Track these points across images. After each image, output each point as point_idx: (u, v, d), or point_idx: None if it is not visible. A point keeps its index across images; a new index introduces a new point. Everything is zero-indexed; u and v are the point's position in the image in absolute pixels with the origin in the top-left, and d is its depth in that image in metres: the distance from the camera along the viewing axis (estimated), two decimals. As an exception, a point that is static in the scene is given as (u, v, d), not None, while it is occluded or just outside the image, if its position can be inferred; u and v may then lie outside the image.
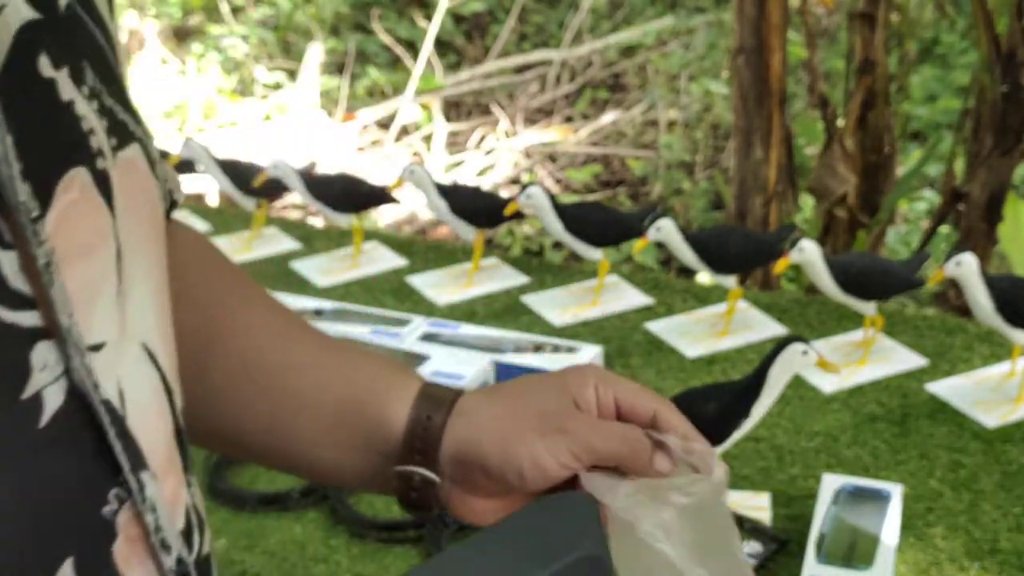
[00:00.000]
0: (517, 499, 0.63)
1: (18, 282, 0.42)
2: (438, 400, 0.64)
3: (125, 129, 0.50)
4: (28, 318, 0.43)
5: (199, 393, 0.62)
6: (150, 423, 0.49)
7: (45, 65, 0.45)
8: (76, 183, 0.45)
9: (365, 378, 0.67)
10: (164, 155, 0.58)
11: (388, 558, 1.11)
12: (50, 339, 0.43)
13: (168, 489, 0.49)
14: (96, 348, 0.46)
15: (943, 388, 1.34)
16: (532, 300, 1.58)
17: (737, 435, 1.08)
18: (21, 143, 0.43)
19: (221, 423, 0.67)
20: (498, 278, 1.65)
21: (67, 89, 0.46)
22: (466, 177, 4.17)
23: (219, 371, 0.67)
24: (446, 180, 1.65)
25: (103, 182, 0.47)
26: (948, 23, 4.35)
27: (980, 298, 1.26)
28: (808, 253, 1.33)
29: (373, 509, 1.18)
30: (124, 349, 0.48)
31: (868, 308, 1.38)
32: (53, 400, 0.43)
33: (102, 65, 0.49)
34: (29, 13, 0.45)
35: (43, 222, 0.43)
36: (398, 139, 4.43)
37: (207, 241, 0.74)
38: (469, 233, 1.62)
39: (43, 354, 0.43)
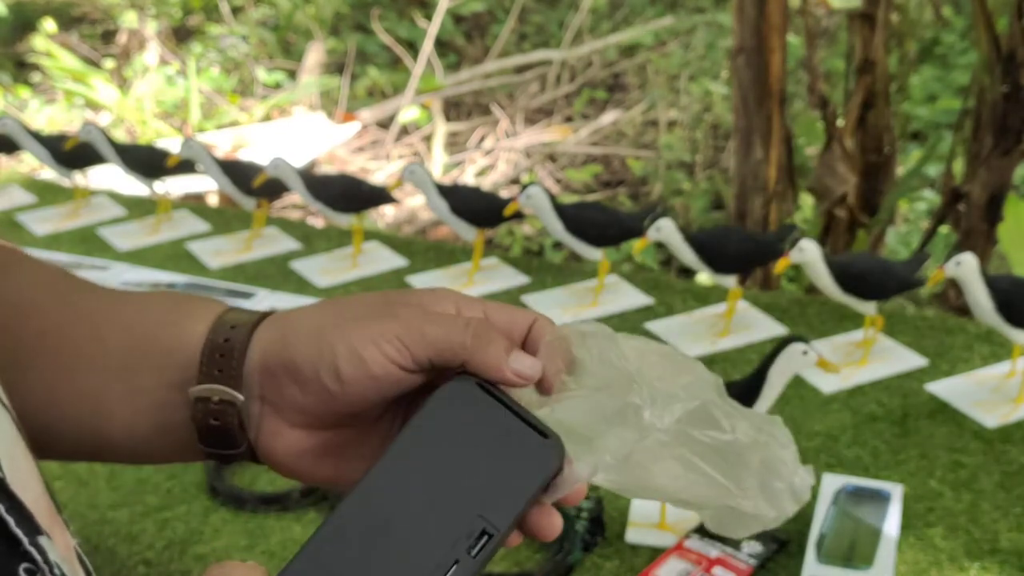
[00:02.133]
0: (339, 429, 0.54)
1: None
2: (244, 316, 0.55)
3: None
4: None
5: None
6: (22, 472, 0.46)
7: None
8: None
9: (157, 311, 0.57)
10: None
11: (388, 558, 1.11)
12: None
13: (59, 542, 0.46)
14: None
15: (943, 388, 1.34)
16: (532, 300, 1.58)
17: (737, 435, 1.08)
18: None
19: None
20: (498, 278, 1.65)
21: None
22: (466, 177, 4.17)
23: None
24: (446, 180, 1.65)
25: None
26: (948, 24, 4.35)
27: (980, 298, 1.26)
28: (808, 253, 1.33)
29: (373, 509, 1.18)
30: None
31: (868, 308, 1.38)
32: None
33: None
34: None
35: None
36: (398, 139, 4.43)
37: None
38: (469, 233, 1.62)
39: None
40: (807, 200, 3.22)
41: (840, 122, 2.59)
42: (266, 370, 0.53)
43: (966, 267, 1.26)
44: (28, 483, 0.46)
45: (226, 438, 0.54)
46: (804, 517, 1.11)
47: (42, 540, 0.43)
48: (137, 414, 0.55)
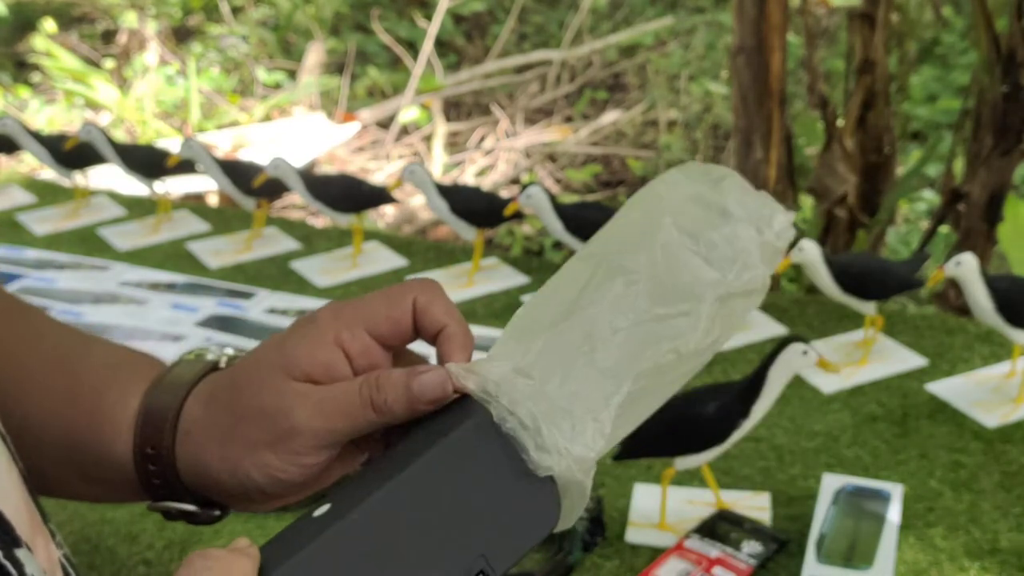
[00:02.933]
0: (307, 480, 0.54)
1: None
2: (158, 423, 0.55)
3: None
4: None
5: None
6: (3, 484, 0.46)
7: None
8: None
9: (84, 406, 0.56)
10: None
11: (388, 558, 1.11)
12: None
13: (41, 554, 0.46)
14: None
15: (943, 388, 1.34)
16: (532, 300, 1.58)
17: (737, 435, 1.08)
18: None
19: None
20: (498, 278, 1.65)
21: None
22: (466, 177, 4.17)
23: None
24: (446, 180, 1.65)
25: None
26: (948, 24, 4.35)
27: (980, 298, 1.26)
28: (808, 253, 1.33)
29: (373, 509, 1.18)
30: None
31: (868, 308, 1.38)
32: None
33: None
34: None
35: None
36: (398, 139, 4.43)
37: None
38: (469, 233, 1.62)
39: None
40: (807, 200, 3.22)
41: (840, 122, 2.59)
42: (204, 488, 0.54)
43: (966, 267, 1.26)
44: (9, 494, 0.46)
45: (202, 521, 0.55)
46: (804, 517, 1.11)
47: (20, 553, 0.43)
48: (83, 490, 0.56)
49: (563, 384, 0.51)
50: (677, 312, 0.54)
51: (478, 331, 1.43)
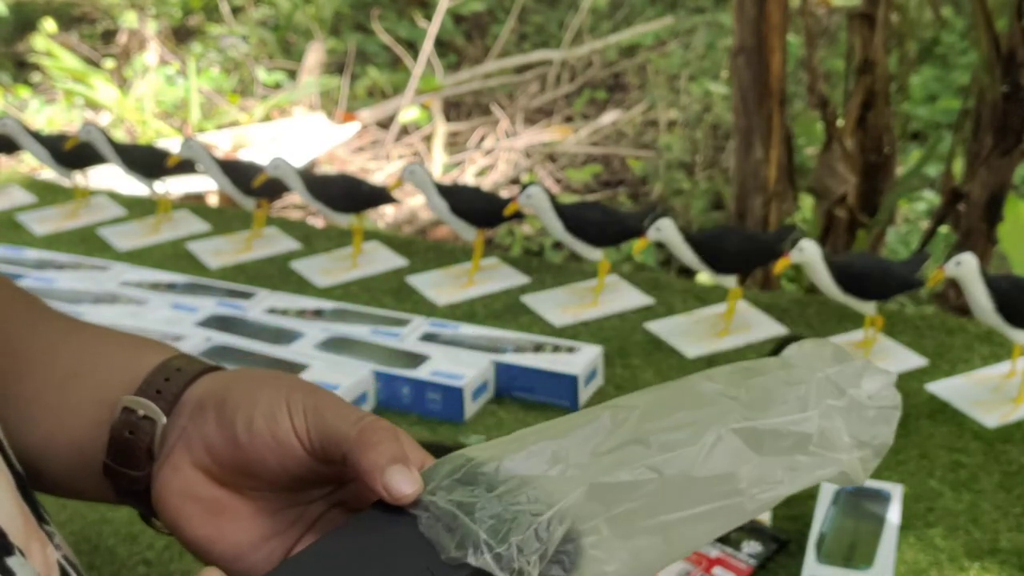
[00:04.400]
0: (235, 492, 0.54)
1: None
2: (199, 361, 0.58)
3: None
4: None
5: None
6: None
7: None
8: None
9: (119, 338, 0.60)
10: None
11: (388, 558, 1.11)
12: None
13: (37, 558, 0.46)
14: None
15: (943, 388, 1.34)
16: (532, 300, 1.58)
17: (737, 435, 1.08)
18: None
19: None
20: (498, 278, 1.65)
21: None
22: (466, 177, 4.17)
23: None
24: (446, 180, 1.65)
25: None
26: (948, 24, 4.35)
27: (980, 298, 1.26)
28: (808, 253, 1.33)
29: (373, 509, 1.18)
30: None
31: (868, 308, 1.38)
32: None
33: None
34: None
35: None
36: (398, 139, 4.43)
37: None
38: (469, 233, 1.62)
39: None
40: (807, 200, 3.22)
41: (840, 122, 2.59)
42: (199, 403, 0.54)
43: (966, 267, 1.26)
44: (2, 504, 0.46)
45: (133, 456, 0.54)
46: (804, 517, 1.11)
47: (11, 561, 0.43)
48: (60, 428, 0.56)
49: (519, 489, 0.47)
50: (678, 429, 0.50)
51: (478, 331, 1.43)
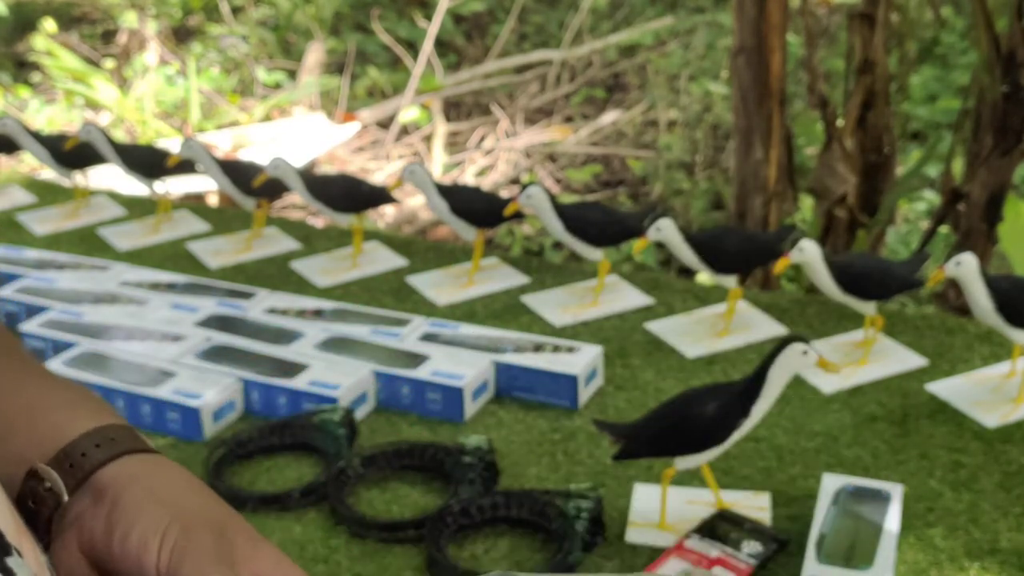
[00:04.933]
0: None
1: None
2: (127, 438, 0.58)
3: None
4: None
5: None
6: None
7: None
8: None
9: (60, 397, 0.59)
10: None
11: (388, 558, 1.11)
12: None
13: (30, 557, 0.47)
14: None
15: (943, 388, 1.34)
16: (532, 300, 1.58)
17: (737, 435, 1.08)
18: None
19: None
20: (498, 278, 1.65)
21: None
22: (466, 177, 4.17)
23: None
24: (446, 180, 1.65)
25: None
26: (948, 23, 4.35)
27: (980, 298, 1.26)
28: (808, 253, 1.33)
29: (373, 509, 1.18)
30: None
31: (868, 308, 1.38)
32: None
33: None
34: None
35: None
36: (398, 139, 4.43)
37: None
38: (469, 233, 1.62)
39: None
40: (807, 200, 3.22)
41: (840, 122, 2.59)
42: (101, 491, 0.55)
43: (966, 267, 1.26)
44: None
45: (35, 525, 0.55)
46: (804, 517, 1.11)
47: (10, 561, 0.43)
48: None
49: None
50: None
51: (478, 331, 1.43)
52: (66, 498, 0.55)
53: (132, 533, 0.53)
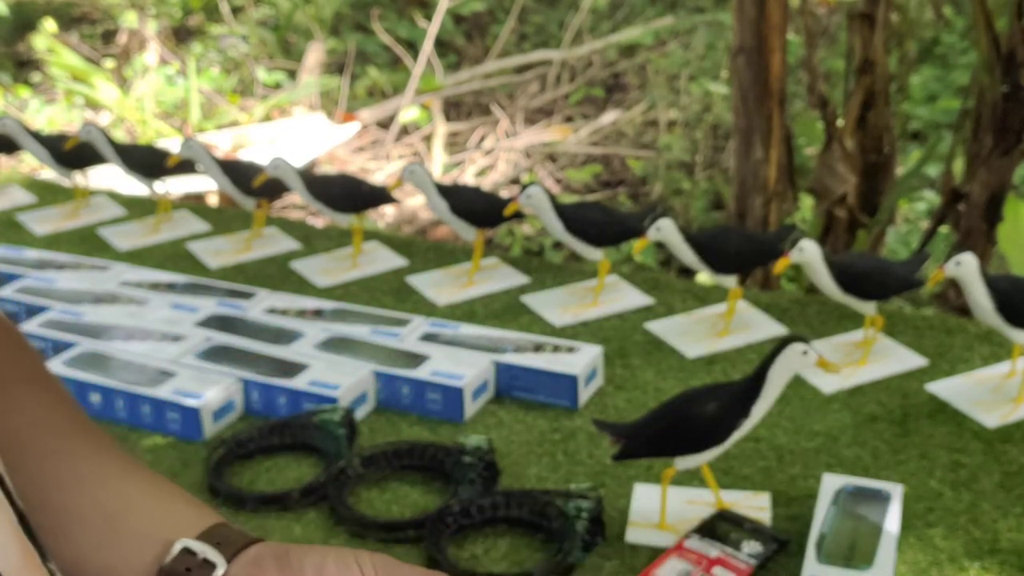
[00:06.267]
0: None
1: None
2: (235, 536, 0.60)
3: None
4: None
5: None
6: None
7: None
8: None
9: (169, 492, 0.62)
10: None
11: (388, 558, 1.11)
12: None
13: None
14: None
15: (943, 388, 1.34)
16: (532, 300, 1.58)
17: (737, 435, 1.08)
18: None
19: None
20: (498, 278, 1.65)
21: None
22: (466, 177, 4.17)
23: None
24: (446, 180, 1.65)
25: None
26: (948, 24, 4.35)
27: (980, 298, 1.26)
28: (808, 253, 1.33)
29: (373, 509, 1.18)
30: None
31: (868, 308, 1.38)
32: None
33: None
34: None
35: None
36: (398, 139, 4.43)
37: None
38: (469, 233, 1.62)
39: None
40: (807, 200, 3.22)
41: (840, 122, 2.59)
42: (255, 558, 0.57)
43: (966, 267, 1.26)
44: (1, 533, 0.46)
45: None
46: (804, 517, 1.11)
47: None
48: (103, 553, 0.58)
49: None
50: None
51: (478, 331, 1.43)
52: (225, 566, 0.57)
53: (327, 564, 0.56)
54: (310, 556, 0.56)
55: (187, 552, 0.57)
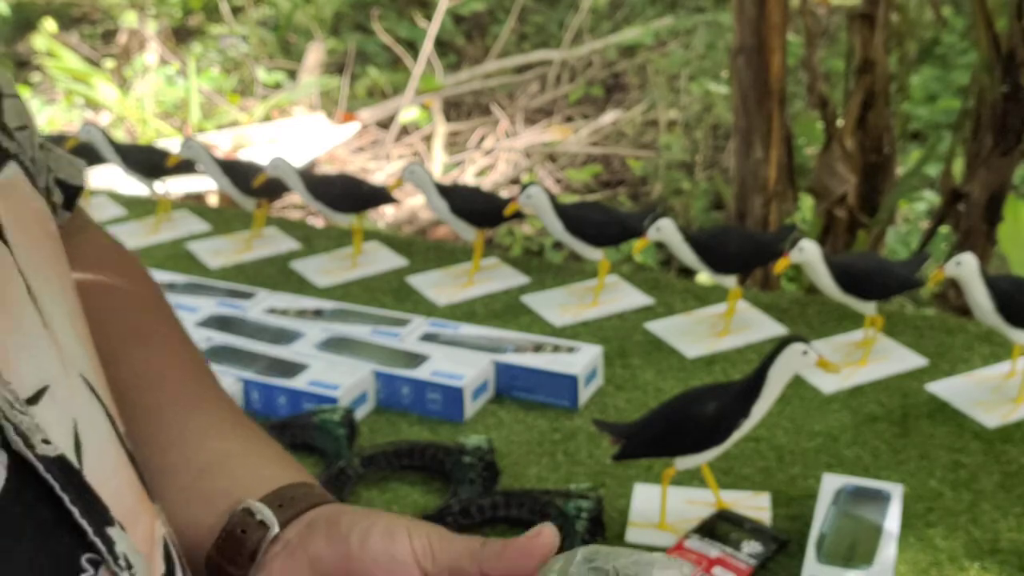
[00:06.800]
0: None
1: None
2: (317, 491, 0.61)
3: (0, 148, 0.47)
4: None
5: None
6: (108, 465, 0.47)
7: None
8: None
9: (256, 454, 0.64)
10: (47, 143, 0.56)
11: (388, 558, 1.11)
12: None
13: (140, 533, 0.48)
14: (36, 399, 0.44)
15: (943, 388, 1.34)
16: (532, 300, 1.58)
17: (737, 435, 1.08)
18: None
19: None
20: (498, 278, 1.65)
21: None
22: (466, 177, 4.17)
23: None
24: (446, 180, 1.65)
25: None
26: (948, 24, 4.35)
27: (980, 298, 1.26)
28: (808, 253, 1.33)
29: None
30: (72, 385, 0.46)
31: (868, 308, 1.38)
32: None
33: None
34: None
35: None
36: (398, 139, 4.43)
37: (114, 251, 0.70)
38: (469, 233, 1.62)
39: None
40: (807, 200, 3.22)
41: (840, 122, 2.59)
42: (309, 523, 0.57)
43: (966, 267, 1.26)
44: (114, 473, 0.47)
45: (237, 554, 0.57)
46: (804, 517, 1.11)
47: (111, 531, 0.44)
48: (183, 510, 0.59)
49: None
50: None
51: (478, 331, 1.43)
52: (276, 529, 0.57)
53: (372, 533, 0.55)
54: (359, 522, 0.56)
55: (247, 513, 0.58)
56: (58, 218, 0.66)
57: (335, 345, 1.40)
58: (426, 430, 1.30)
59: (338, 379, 1.32)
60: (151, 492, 0.52)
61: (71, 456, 0.44)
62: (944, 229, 2.76)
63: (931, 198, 3.57)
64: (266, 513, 0.58)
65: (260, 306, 1.52)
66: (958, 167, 2.51)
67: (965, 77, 3.87)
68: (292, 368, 1.35)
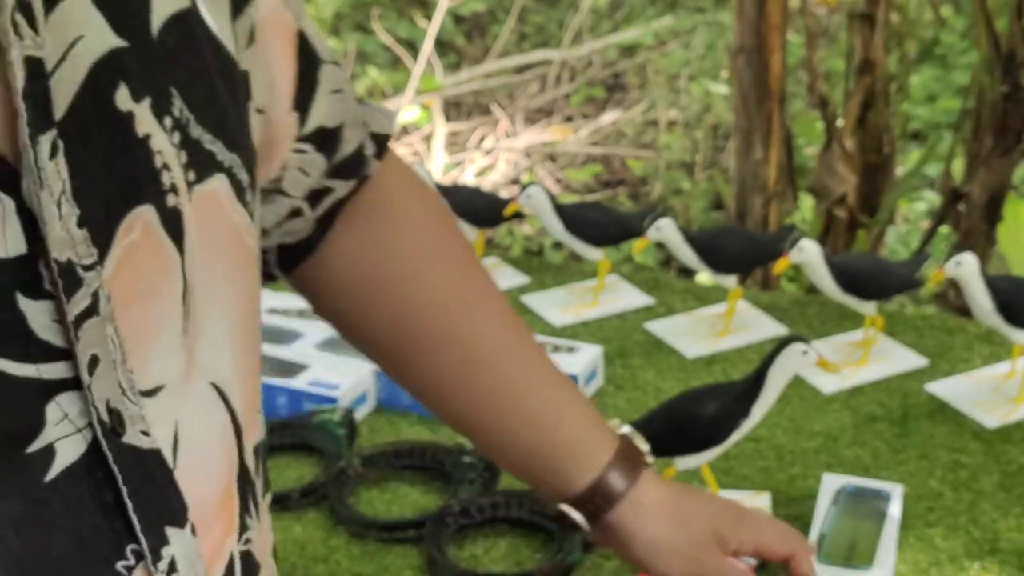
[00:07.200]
0: None
1: (48, 334, 0.41)
2: (625, 472, 0.79)
3: (211, 159, 0.48)
4: (53, 370, 0.41)
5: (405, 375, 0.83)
6: (207, 470, 0.48)
7: (124, 98, 0.43)
8: (139, 223, 0.44)
9: (569, 431, 0.79)
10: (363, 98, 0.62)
11: (388, 558, 1.11)
12: (79, 390, 0.42)
13: (211, 540, 0.48)
14: (152, 392, 0.45)
15: (943, 388, 1.34)
16: (532, 300, 1.58)
17: (737, 435, 1.08)
18: (84, 187, 0.41)
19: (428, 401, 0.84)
20: (498, 278, 1.65)
21: (145, 122, 0.44)
22: (466, 177, 4.17)
23: (434, 371, 0.80)
24: (446, 180, 1.65)
25: (172, 220, 0.45)
26: (948, 24, 4.35)
27: (980, 298, 1.26)
28: (808, 253, 1.33)
29: (373, 509, 1.18)
30: (189, 390, 0.47)
31: (868, 308, 1.38)
32: (68, 453, 0.42)
33: (199, 89, 0.47)
34: (114, 41, 0.43)
35: (100, 268, 0.42)
36: (398, 139, 4.43)
37: (437, 214, 0.86)
38: (469, 233, 1.62)
39: (64, 406, 0.42)
40: (807, 200, 3.22)
41: (840, 122, 2.59)
42: (611, 530, 0.81)
43: (966, 267, 1.26)
44: (211, 479, 0.48)
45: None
46: (804, 517, 1.11)
47: (171, 531, 0.45)
48: (523, 471, 0.83)
49: None
50: None
51: (478, 331, 1.43)
52: (586, 528, 0.80)
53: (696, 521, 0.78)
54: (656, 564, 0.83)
55: (600, 481, 0.77)
56: (368, 169, 0.78)
57: (335, 345, 1.40)
58: (426, 430, 1.30)
59: (338, 379, 1.32)
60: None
61: (167, 453, 0.45)
62: (944, 229, 2.76)
63: (931, 198, 3.57)
64: (617, 481, 0.78)
65: (260, 306, 1.52)
66: (958, 167, 2.51)
67: (965, 77, 3.87)
68: (292, 368, 1.35)
